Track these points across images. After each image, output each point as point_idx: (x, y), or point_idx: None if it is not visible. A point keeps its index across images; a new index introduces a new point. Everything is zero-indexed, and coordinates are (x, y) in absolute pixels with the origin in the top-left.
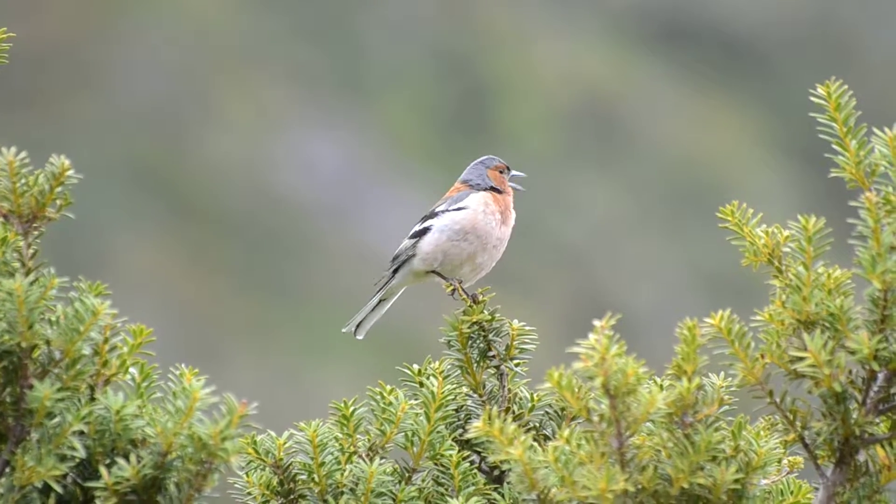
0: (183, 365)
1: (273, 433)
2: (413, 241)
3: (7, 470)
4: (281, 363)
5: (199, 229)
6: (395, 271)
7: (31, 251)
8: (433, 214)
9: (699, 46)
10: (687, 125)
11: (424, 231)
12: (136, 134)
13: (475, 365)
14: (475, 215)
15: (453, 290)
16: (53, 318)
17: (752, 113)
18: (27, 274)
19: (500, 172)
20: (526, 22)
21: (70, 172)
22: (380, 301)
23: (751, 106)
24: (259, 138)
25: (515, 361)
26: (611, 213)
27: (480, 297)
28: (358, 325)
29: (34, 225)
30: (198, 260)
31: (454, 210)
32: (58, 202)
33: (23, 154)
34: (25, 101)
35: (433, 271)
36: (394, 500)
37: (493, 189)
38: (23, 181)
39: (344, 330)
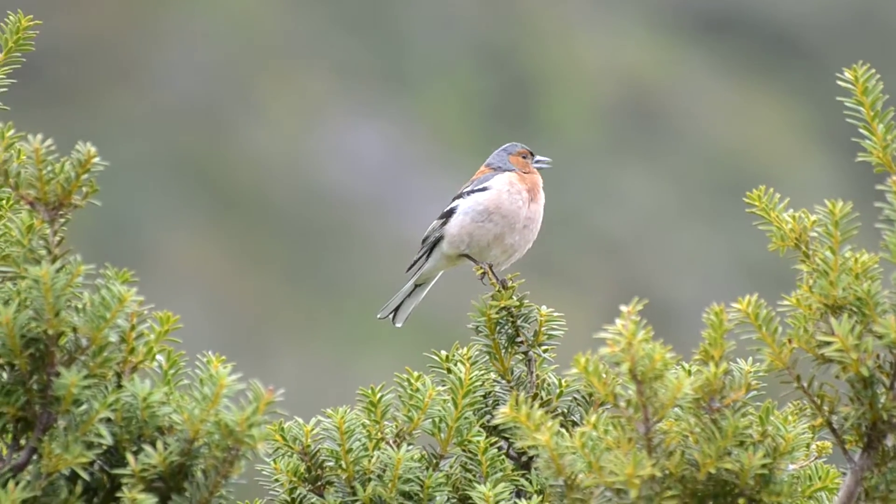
0: (210, 352)
1: (300, 420)
2: (440, 222)
3: (34, 457)
4: (325, 355)
5: (242, 223)
6: (427, 255)
7: (57, 238)
8: (460, 196)
9: (742, 37)
10: (730, 116)
11: (451, 212)
12: (179, 129)
13: (503, 351)
14: (499, 195)
15: (483, 273)
16: (80, 306)
17: (795, 103)
18: (53, 261)
19: (523, 157)
20: (568, 13)
21: (96, 160)
22: (416, 286)
23: (794, 96)
24: (301, 132)
25: (543, 347)
26: (654, 204)
27: (510, 283)
28: (396, 313)
29: (60, 212)
30: (241, 254)
31: (479, 191)
32: (84, 189)
33: (49, 141)
34: (68, 96)
35: (464, 254)
36: (421, 486)
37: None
38: (49, 168)
39: (379, 316)
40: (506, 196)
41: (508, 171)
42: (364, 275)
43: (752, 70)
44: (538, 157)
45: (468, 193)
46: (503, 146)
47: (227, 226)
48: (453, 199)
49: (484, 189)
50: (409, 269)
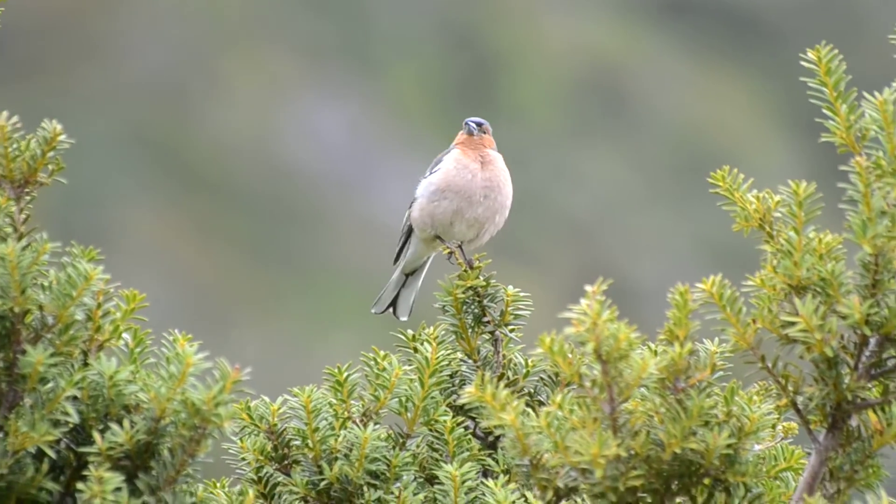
0: (177, 331)
1: (267, 399)
2: (409, 210)
3: (0, 435)
4: (288, 334)
5: (205, 201)
6: (405, 243)
7: (23, 216)
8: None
9: (705, 18)
10: (693, 97)
11: (414, 199)
12: (143, 105)
13: (470, 330)
14: (447, 173)
15: (450, 253)
16: (46, 284)
17: (758, 85)
18: (19, 239)
19: (470, 133)
20: None
21: (62, 137)
22: (406, 276)
23: (757, 78)
24: (266, 109)
25: (510, 327)
26: (617, 185)
27: (476, 263)
28: (395, 306)
29: (26, 190)
30: (204, 231)
31: (431, 174)
32: (50, 167)
33: (14, 119)
34: (30, 72)
35: (437, 236)
36: (388, 465)
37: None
38: (14, 146)
39: (374, 311)
40: (453, 172)
41: (454, 150)
42: (328, 253)
43: (715, 51)
44: (466, 120)
45: (424, 178)
46: None
47: (192, 204)
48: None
49: (434, 172)
50: (395, 260)
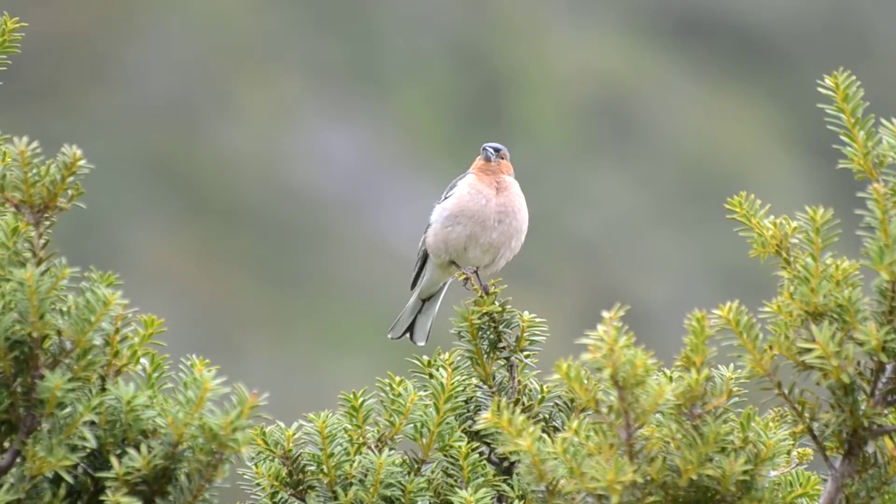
0: (194, 356)
1: (282, 424)
2: (424, 235)
3: (18, 460)
4: (296, 356)
5: (214, 223)
6: (421, 268)
7: (42, 241)
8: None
9: (714, 40)
10: (702, 119)
11: (429, 225)
12: (152, 127)
13: (485, 356)
14: (461, 199)
15: (466, 279)
16: (64, 309)
17: (767, 107)
18: (38, 264)
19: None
20: (542, 15)
21: (82, 162)
22: (423, 302)
23: (766, 100)
24: (275, 131)
25: (525, 353)
26: (625, 206)
27: (492, 289)
28: (413, 331)
29: (46, 215)
30: (213, 253)
31: (445, 199)
32: (69, 192)
33: (34, 144)
34: (41, 94)
35: (452, 261)
36: (403, 491)
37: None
38: (34, 171)
39: (390, 336)
40: (467, 197)
41: (469, 175)
42: (337, 275)
43: (723, 73)
44: (484, 146)
45: (438, 203)
46: None
47: (200, 225)
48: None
49: (448, 197)
50: (412, 286)
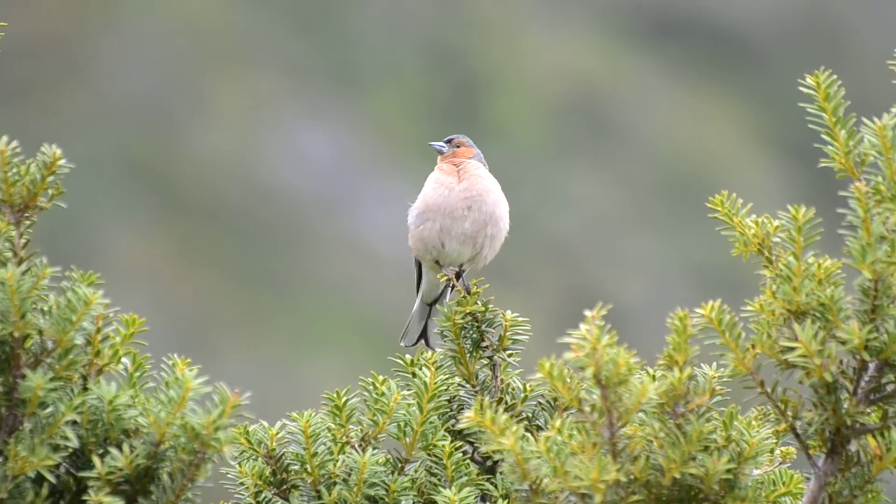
0: (175, 355)
1: (266, 423)
2: None
3: (0, 459)
4: (272, 355)
5: (189, 222)
6: (419, 273)
7: (22, 241)
8: None
9: (690, 40)
10: (678, 119)
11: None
12: (127, 127)
13: (468, 355)
14: (424, 195)
15: (447, 280)
16: (46, 308)
17: (742, 107)
18: (19, 263)
19: (440, 152)
20: (517, 15)
21: (62, 162)
22: (429, 306)
23: (742, 100)
24: (250, 131)
25: (508, 352)
26: (602, 207)
27: (474, 288)
28: (426, 337)
29: (26, 214)
30: (188, 252)
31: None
32: (49, 192)
33: (14, 143)
34: (16, 94)
35: (435, 261)
36: (387, 490)
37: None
38: (14, 171)
39: (403, 344)
40: (430, 192)
41: (433, 172)
42: (313, 274)
43: (699, 73)
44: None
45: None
46: None
47: (176, 225)
48: None
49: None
50: (417, 291)
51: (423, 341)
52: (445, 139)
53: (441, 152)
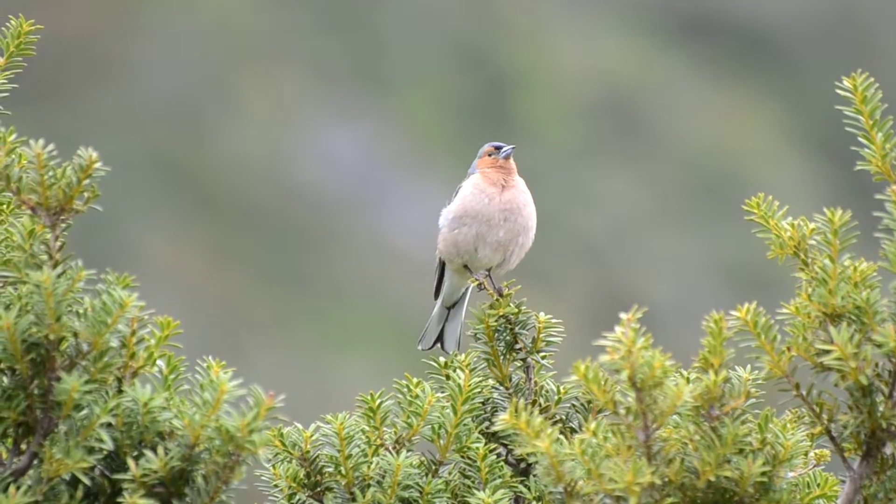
0: (210, 357)
1: (300, 426)
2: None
3: (35, 462)
4: (302, 356)
5: (219, 223)
6: (440, 276)
7: (58, 243)
8: None
9: (720, 39)
10: (708, 118)
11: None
12: (158, 127)
13: (501, 357)
14: (464, 200)
15: (479, 284)
16: (81, 311)
17: (772, 106)
18: (55, 266)
19: (490, 155)
20: (546, 14)
21: (98, 165)
22: (448, 310)
23: (772, 99)
24: (279, 131)
25: (542, 354)
26: (631, 206)
27: (506, 290)
28: (442, 340)
29: (61, 217)
30: (218, 253)
31: (450, 202)
32: (85, 194)
33: (51, 146)
34: (48, 94)
35: (465, 265)
36: (420, 492)
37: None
38: (50, 173)
39: (421, 347)
40: (470, 197)
41: (473, 175)
42: (341, 275)
43: (729, 72)
44: (500, 145)
45: (445, 207)
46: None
47: (205, 225)
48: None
49: (454, 199)
50: (435, 295)
51: (438, 345)
52: (510, 148)
53: (507, 157)
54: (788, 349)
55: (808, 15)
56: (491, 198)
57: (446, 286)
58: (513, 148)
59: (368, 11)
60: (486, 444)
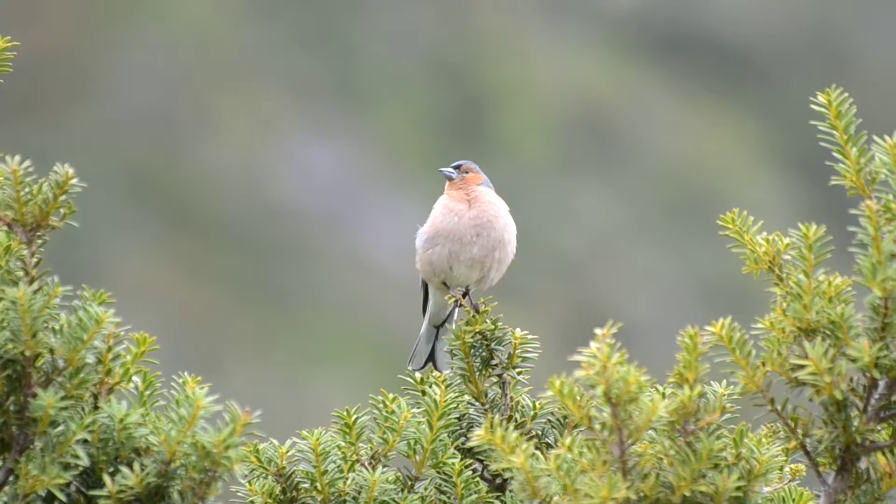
0: (185, 373)
1: (276, 441)
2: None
3: (11, 478)
4: (278, 371)
5: (196, 237)
6: (425, 296)
7: (34, 260)
8: None
9: (696, 56)
10: (684, 134)
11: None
12: (134, 142)
13: (477, 373)
14: (434, 220)
15: (455, 301)
16: (57, 327)
17: (748, 122)
18: (31, 282)
19: (450, 177)
20: (523, 31)
21: (74, 181)
22: (436, 329)
23: (747, 115)
24: (256, 147)
25: (518, 370)
26: (608, 222)
27: (482, 307)
28: (434, 361)
29: (38, 233)
30: (194, 268)
31: (424, 225)
32: (61, 211)
33: (27, 163)
34: (22, 109)
35: (443, 283)
36: None
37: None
38: (27, 190)
39: (411, 368)
40: (440, 217)
41: (441, 197)
42: (317, 290)
43: (706, 89)
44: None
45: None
46: None
47: (181, 240)
48: None
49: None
50: (423, 313)
51: (430, 364)
52: (453, 165)
53: (451, 178)
54: (763, 364)
55: (783, 32)
56: (460, 216)
57: (431, 305)
58: (454, 167)
59: (346, 28)
60: (461, 459)
